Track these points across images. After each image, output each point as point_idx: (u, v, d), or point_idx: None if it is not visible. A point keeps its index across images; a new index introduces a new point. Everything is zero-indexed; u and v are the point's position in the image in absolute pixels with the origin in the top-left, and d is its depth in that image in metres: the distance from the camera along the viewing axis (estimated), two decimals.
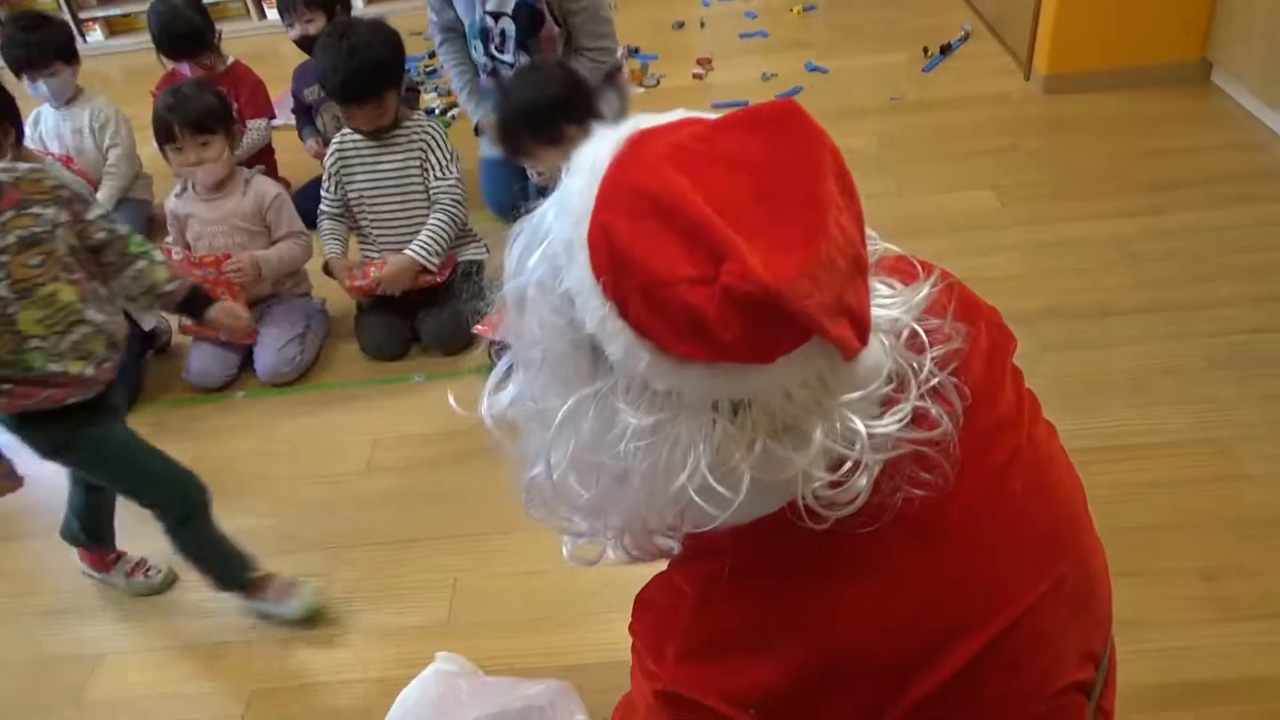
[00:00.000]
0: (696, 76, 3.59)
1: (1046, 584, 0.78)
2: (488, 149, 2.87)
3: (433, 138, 2.35)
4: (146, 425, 2.04)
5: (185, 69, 2.93)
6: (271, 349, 2.37)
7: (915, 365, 0.71)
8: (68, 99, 2.90)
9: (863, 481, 0.67)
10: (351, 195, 2.40)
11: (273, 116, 3.12)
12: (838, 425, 0.67)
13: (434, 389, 2.34)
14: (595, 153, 0.65)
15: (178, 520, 1.65)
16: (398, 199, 2.39)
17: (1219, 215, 2.52)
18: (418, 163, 2.35)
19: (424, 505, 2.02)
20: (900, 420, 0.69)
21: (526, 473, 0.75)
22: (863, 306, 0.62)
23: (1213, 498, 1.77)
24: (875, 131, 3.15)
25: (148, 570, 1.87)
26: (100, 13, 4.97)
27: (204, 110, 2.22)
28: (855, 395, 0.67)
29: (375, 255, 2.44)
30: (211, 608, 1.82)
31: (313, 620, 1.77)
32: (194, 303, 1.72)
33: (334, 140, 2.39)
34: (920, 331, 0.73)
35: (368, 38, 2.21)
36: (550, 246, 0.65)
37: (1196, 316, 2.20)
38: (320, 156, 2.85)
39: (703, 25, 4.15)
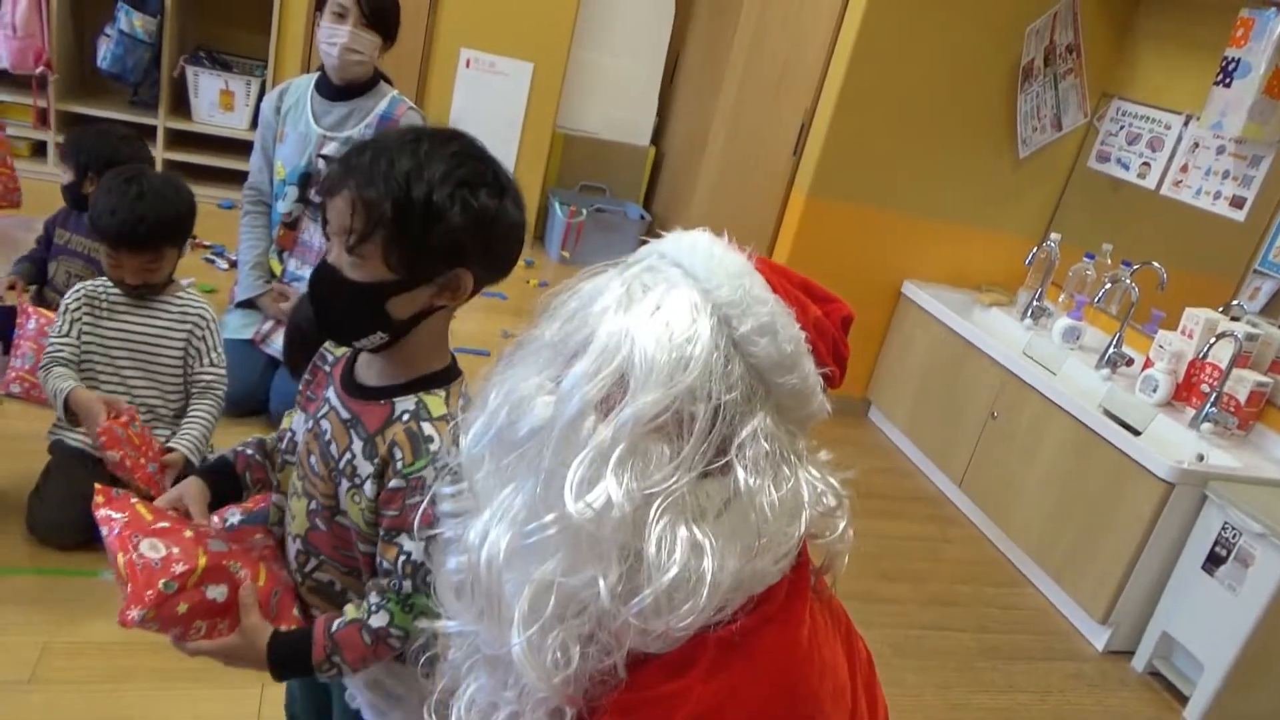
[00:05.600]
0: None
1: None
2: (235, 329, 2.69)
3: (206, 320, 2.16)
4: None
5: None
6: None
7: None
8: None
9: (846, 525, 0.85)
10: (86, 347, 2.09)
11: None
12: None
13: None
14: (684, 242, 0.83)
15: None
16: (140, 368, 2.12)
17: (885, 526, 2.99)
18: (182, 340, 2.14)
19: None
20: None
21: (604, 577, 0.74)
22: None
23: None
24: None
25: None
26: None
27: None
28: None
29: None
30: None
31: None
32: None
33: (86, 285, 2.10)
34: None
35: (160, 187, 2.04)
36: (714, 306, 0.77)
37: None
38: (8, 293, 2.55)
39: None
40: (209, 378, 2.18)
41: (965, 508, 3.23)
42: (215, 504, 1.19)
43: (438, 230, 0.98)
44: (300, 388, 1.20)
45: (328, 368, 1.17)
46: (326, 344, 1.19)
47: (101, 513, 1.08)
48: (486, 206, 1.01)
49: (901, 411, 3.60)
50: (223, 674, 1.75)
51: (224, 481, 1.22)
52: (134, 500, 1.10)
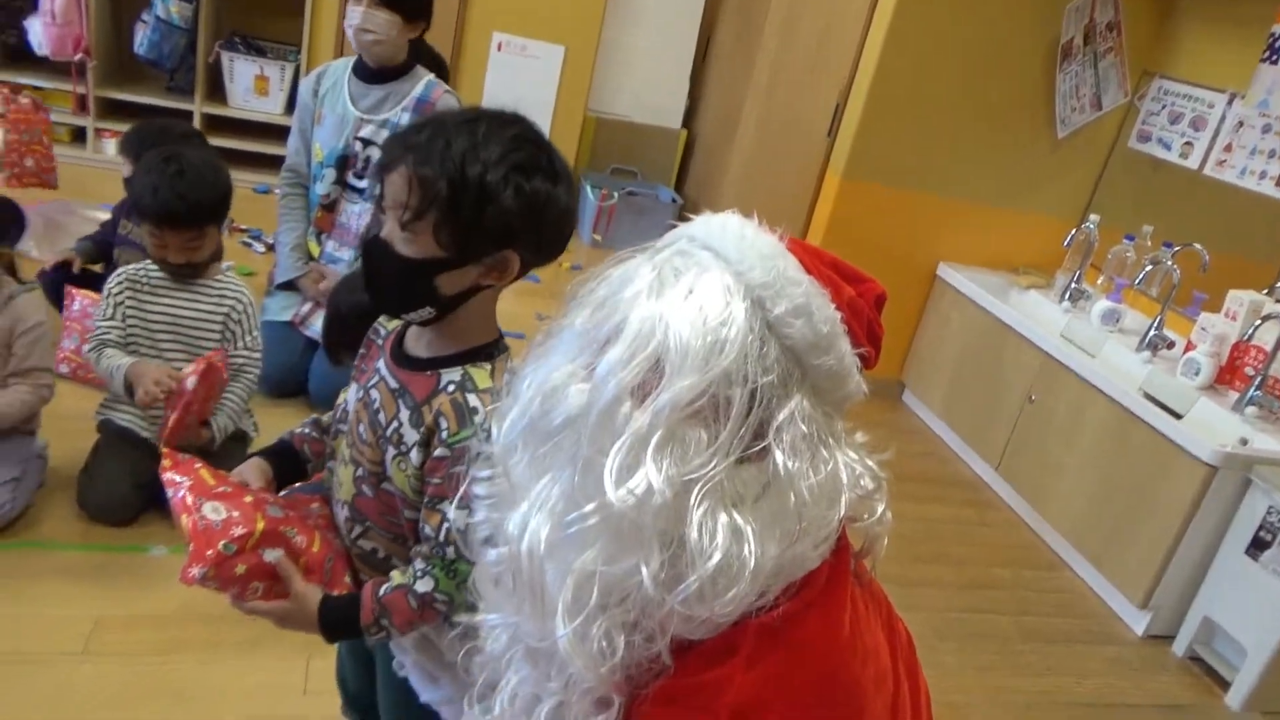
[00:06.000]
0: None
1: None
2: (275, 312, 2.72)
3: (244, 303, 2.19)
4: None
5: None
6: None
7: None
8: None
9: (885, 507, 0.84)
10: (130, 327, 2.12)
11: None
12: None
13: (177, 564, 2.01)
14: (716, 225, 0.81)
15: None
16: (183, 348, 2.14)
17: (922, 509, 2.98)
18: (220, 321, 2.17)
19: (155, 703, 1.67)
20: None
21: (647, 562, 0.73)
22: None
23: None
24: None
25: None
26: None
27: None
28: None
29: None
30: None
31: None
32: None
33: (128, 269, 2.13)
34: None
35: (198, 166, 2.06)
36: (748, 288, 0.75)
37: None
38: (61, 264, 2.67)
39: None
40: (241, 360, 2.20)
41: (1003, 491, 3.20)
42: (279, 485, 1.22)
43: (490, 211, 0.99)
44: (355, 361, 1.22)
45: (380, 340, 1.20)
46: (380, 318, 1.21)
47: (168, 475, 1.12)
48: (539, 191, 1.01)
49: (936, 395, 3.57)
50: (271, 646, 1.79)
51: (285, 461, 1.24)
52: (198, 465, 1.14)
